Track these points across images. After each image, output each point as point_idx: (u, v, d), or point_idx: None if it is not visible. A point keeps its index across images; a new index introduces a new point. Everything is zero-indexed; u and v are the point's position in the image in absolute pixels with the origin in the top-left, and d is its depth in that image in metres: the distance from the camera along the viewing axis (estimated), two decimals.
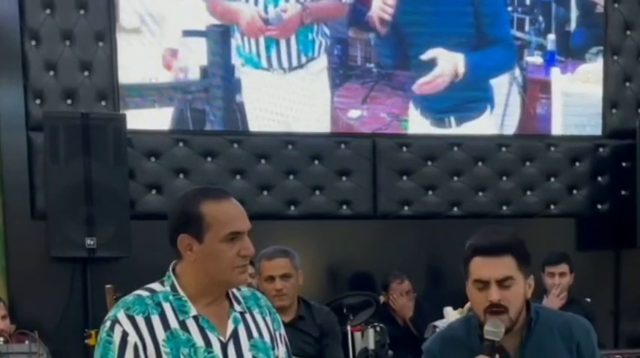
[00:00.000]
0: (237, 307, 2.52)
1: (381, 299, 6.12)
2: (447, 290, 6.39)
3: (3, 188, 5.80)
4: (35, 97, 5.79)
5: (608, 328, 6.72)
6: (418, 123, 6.55)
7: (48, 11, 5.78)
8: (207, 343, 2.42)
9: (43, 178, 5.62)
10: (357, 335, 5.33)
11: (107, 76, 5.92)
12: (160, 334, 2.39)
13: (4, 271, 5.81)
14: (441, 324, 5.18)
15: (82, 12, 5.84)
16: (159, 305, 2.42)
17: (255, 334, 2.52)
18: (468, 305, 4.98)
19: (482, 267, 2.63)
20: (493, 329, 2.59)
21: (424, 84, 6.51)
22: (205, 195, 2.47)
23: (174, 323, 2.41)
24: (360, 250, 6.51)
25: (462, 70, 6.53)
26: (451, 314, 5.22)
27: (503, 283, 2.61)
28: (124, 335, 2.37)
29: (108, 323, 2.40)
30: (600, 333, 2.84)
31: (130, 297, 2.44)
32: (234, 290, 2.56)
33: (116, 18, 5.92)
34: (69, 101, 5.86)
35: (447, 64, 6.52)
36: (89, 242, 5.49)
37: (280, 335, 2.63)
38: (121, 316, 2.38)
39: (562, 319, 2.80)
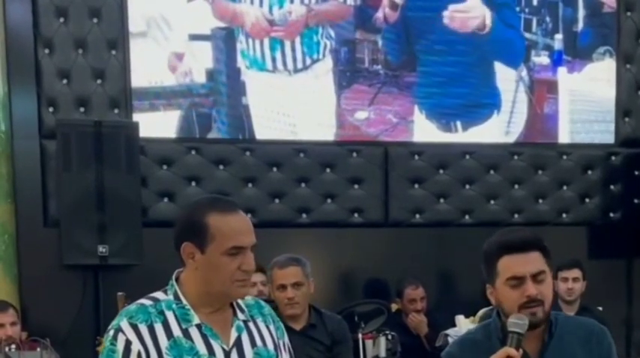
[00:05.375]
0: (240, 315, 2.52)
1: (394, 306, 6.12)
2: (459, 298, 6.40)
3: (16, 195, 5.81)
4: (48, 105, 5.82)
5: (620, 337, 6.69)
6: (424, 127, 6.54)
7: (61, 20, 5.81)
8: (210, 351, 2.42)
9: (56, 186, 5.65)
10: (369, 343, 5.32)
11: (120, 83, 5.94)
12: (163, 342, 2.39)
13: (16, 278, 5.82)
14: (452, 332, 5.18)
15: (95, 20, 5.87)
16: (162, 313, 2.42)
17: (258, 342, 2.51)
18: (479, 313, 4.99)
19: (516, 264, 2.62)
20: (517, 321, 2.58)
21: (457, 10, 6.45)
22: (213, 205, 2.45)
23: (177, 332, 2.41)
24: (371, 258, 6.50)
25: (488, 22, 6.49)
26: (463, 323, 5.22)
27: (537, 277, 2.62)
28: (128, 343, 2.37)
29: (111, 332, 2.40)
30: None
31: (132, 306, 2.45)
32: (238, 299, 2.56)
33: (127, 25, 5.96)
34: (82, 109, 5.88)
35: (478, 6, 6.49)
36: (101, 249, 5.51)
37: (284, 343, 2.63)
38: (124, 325, 2.39)
39: (579, 322, 2.82)
